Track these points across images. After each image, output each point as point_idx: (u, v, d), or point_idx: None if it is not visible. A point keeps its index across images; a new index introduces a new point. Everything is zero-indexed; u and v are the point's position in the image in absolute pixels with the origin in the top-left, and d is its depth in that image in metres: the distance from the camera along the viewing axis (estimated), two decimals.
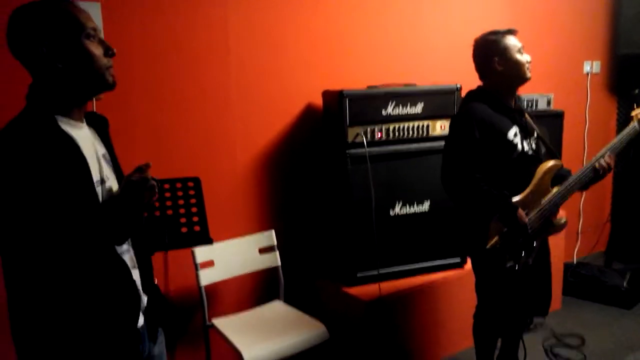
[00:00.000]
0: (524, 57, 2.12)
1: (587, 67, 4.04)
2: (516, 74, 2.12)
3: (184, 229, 2.01)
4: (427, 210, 2.71)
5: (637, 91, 3.94)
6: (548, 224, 2.14)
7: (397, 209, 2.66)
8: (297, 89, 2.74)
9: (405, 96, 2.61)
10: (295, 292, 2.72)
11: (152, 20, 2.31)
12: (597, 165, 2.10)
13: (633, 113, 2.21)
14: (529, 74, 2.13)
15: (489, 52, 2.13)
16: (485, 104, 2.12)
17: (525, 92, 3.19)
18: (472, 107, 2.12)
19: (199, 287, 2.34)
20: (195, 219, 2.04)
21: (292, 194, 2.82)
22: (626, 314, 3.32)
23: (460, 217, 2.20)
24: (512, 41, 2.13)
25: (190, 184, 2.08)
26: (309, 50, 2.76)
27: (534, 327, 3.11)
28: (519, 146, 2.10)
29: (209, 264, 2.39)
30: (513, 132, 2.11)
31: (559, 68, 3.83)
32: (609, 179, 4.26)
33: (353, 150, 2.53)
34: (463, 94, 2.35)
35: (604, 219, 4.41)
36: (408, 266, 2.71)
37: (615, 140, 2.16)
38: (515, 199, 2.07)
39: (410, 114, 2.64)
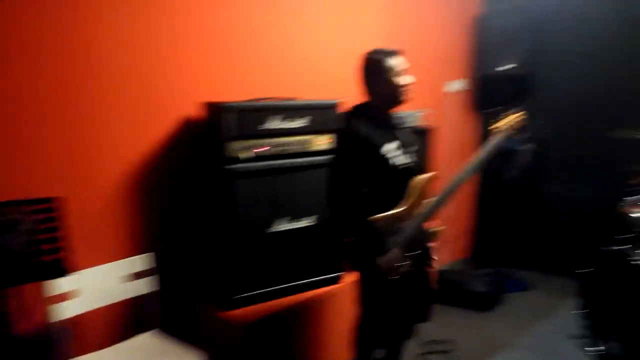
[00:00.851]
0: (403, 80, 2.21)
1: (448, 86, 4.35)
2: (392, 95, 2.23)
3: (40, 259, 1.75)
4: (309, 225, 2.68)
5: (497, 108, 4.31)
6: (426, 233, 2.25)
7: (278, 226, 2.60)
8: (175, 100, 2.56)
9: (287, 110, 2.57)
10: (176, 319, 2.53)
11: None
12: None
13: (491, 127, 2.37)
14: (404, 97, 2.23)
15: (371, 71, 2.23)
16: (364, 119, 2.20)
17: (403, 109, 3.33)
18: (351, 123, 2.22)
19: (55, 322, 2.06)
20: (50, 246, 1.79)
21: (172, 213, 2.62)
22: (489, 316, 3.61)
23: (349, 230, 2.24)
24: (394, 62, 2.20)
25: (46, 205, 1.82)
26: (188, 58, 2.60)
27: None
28: (394, 160, 2.21)
29: (72, 294, 2.13)
30: (389, 147, 2.20)
31: (426, 86, 4.07)
32: (474, 189, 4.64)
33: (233, 166, 2.42)
34: (346, 108, 2.39)
35: (470, 227, 4.78)
36: (288, 284, 2.65)
37: (479, 153, 2.29)
38: (395, 210, 2.15)
39: (291, 129, 2.60)
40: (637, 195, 2.94)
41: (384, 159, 2.19)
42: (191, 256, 2.70)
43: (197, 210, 2.69)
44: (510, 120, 2.35)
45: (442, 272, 3.88)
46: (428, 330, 3.27)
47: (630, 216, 2.92)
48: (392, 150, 2.21)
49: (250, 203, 2.46)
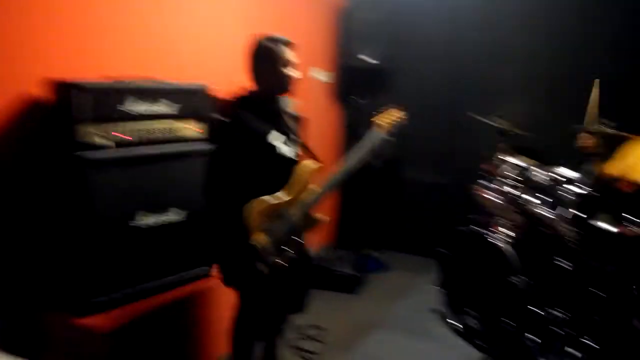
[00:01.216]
0: (290, 72, 2.20)
1: (315, 75, 4.40)
2: (279, 85, 2.21)
3: None
4: (177, 219, 2.46)
5: (358, 100, 4.48)
6: (308, 220, 2.23)
7: (142, 220, 2.35)
8: (16, 75, 2.15)
9: (149, 92, 2.31)
10: (19, 333, 2.15)
11: None
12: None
13: (373, 119, 2.43)
14: (289, 88, 2.23)
15: (262, 58, 2.17)
16: (250, 109, 2.17)
17: None
18: (237, 114, 2.17)
19: None
20: None
21: (12, 208, 2.21)
22: (354, 298, 3.73)
23: (222, 223, 2.18)
24: (285, 53, 2.18)
25: None
26: (30, 31, 2.20)
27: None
28: (279, 149, 2.19)
29: None
30: (274, 136, 2.18)
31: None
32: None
33: (87, 153, 2.12)
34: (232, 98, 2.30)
35: (333, 214, 4.90)
36: (155, 283, 2.40)
37: (362, 144, 2.32)
38: (277, 194, 2.14)
39: (154, 113, 2.35)
40: (489, 179, 3.21)
41: (270, 148, 2.16)
42: (38, 257, 2.32)
43: (46, 204, 2.31)
44: (391, 116, 2.44)
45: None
46: (297, 315, 3.30)
47: (483, 198, 3.21)
48: (277, 139, 2.19)
49: (108, 195, 2.16)
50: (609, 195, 2.82)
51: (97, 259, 2.18)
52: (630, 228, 2.59)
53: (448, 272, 3.21)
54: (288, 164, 2.23)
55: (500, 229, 3.04)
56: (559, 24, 3.88)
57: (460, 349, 2.98)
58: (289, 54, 2.20)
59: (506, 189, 3.01)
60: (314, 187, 2.23)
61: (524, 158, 3.17)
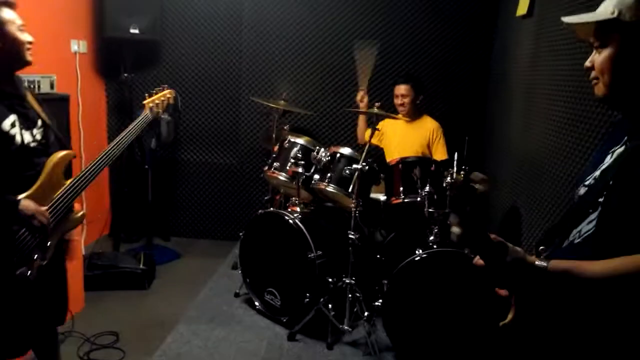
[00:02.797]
0: (24, 36, 1.86)
1: (74, 47, 3.85)
2: (15, 54, 1.85)
3: None
4: None
5: (125, 75, 4.07)
6: (64, 220, 1.98)
7: None
8: None
9: None
10: None
11: None
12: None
13: (145, 102, 2.30)
14: (29, 57, 1.90)
15: None
16: None
17: (25, 73, 2.70)
18: None
19: None
20: None
21: None
22: (148, 293, 3.48)
23: None
24: (9, 15, 1.83)
25: None
26: None
27: (62, 337, 2.80)
28: (18, 137, 1.85)
29: None
30: (10, 122, 1.82)
31: (49, 47, 3.47)
32: (106, 170, 4.30)
33: None
34: None
35: (106, 204, 4.43)
36: None
37: (130, 127, 2.16)
38: (22, 196, 1.82)
39: None
40: (276, 160, 3.30)
41: (8, 137, 1.81)
42: None
43: None
44: (162, 96, 2.35)
45: (89, 257, 3.49)
46: (88, 324, 2.94)
47: (275, 178, 3.30)
48: (14, 126, 1.84)
49: None
50: (379, 169, 3.21)
51: None
52: (397, 197, 3.00)
53: (247, 254, 3.23)
54: (35, 156, 1.92)
55: (295, 208, 3.18)
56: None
57: (264, 329, 3.06)
58: (13, 14, 1.85)
59: (294, 168, 3.15)
60: (69, 181, 1.97)
61: (307, 138, 3.36)
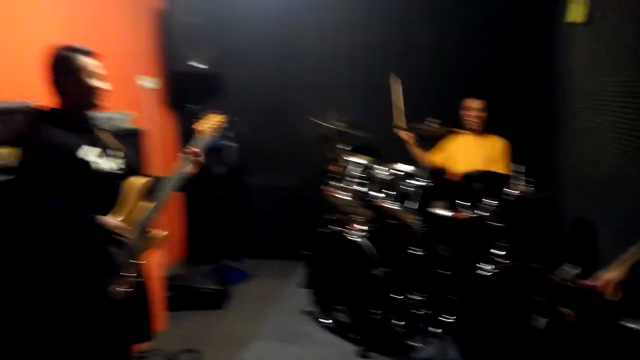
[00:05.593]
0: (96, 83, 2.05)
1: (146, 83, 4.13)
2: (85, 97, 2.05)
3: None
4: None
5: (190, 106, 4.33)
6: (145, 240, 2.14)
7: None
8: None
9: None
10: None
11: None
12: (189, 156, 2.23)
13: (195, 126, 2.41)
14: (99, 101, 2.08)
15: (60, 69, 2.00)
16: (54, 124, 1.99)
17: (104, 110, 2.96)
18: (38, 129, 1.98)
19: None
20: None
21: None
22: (223, 313, 3.66)
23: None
24: (87, 63, 2.03)
25: None
26: None
27: (148, 355, 3.01)
28: (95, 165, 2.04)
29: None
30: (87, 151, 2.02)
31: (124, 85, 3.76)
32: (181, 195, 4.62)
33: None
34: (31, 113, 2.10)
35: (181, 226, 4.70)
36: None
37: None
38: (107, 218, 2.00)
39: None
40: (336, 179, 3.40)
41: (83, 164, 2.00)
42: None
43: None
44: (212, 121, 2.44)
45: (169, 279, 3.72)
46: (171, 343, 3.14)
47: (336, 198, 3.39)
48: (91, 155, 2.03)
49: None
50: (442, 185, 3.24)
51: None
52: (461, 212, 3.01)
53: (314, 273, 3.34)
54: (111, 181, 2.10)
55: (355, 225, 3.26)
56: (373, 23, 4.22)
57: (335, 346, 3.14)
58: (91, 63, 2.05)
59: (353, 187, 3.22)
60: (145, 203, 2.13)
61: (364, 156, 3.44)
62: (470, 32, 4.06)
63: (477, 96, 3.58)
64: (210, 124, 2.41)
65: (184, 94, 4.38)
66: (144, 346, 2.96)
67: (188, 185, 2.26)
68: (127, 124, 3.27)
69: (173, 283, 3.70)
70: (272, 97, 4.49)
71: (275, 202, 4.65)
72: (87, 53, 2.04)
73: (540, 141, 3.92)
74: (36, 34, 2.77)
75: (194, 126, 2.39)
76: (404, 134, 3.72)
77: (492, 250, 2.84)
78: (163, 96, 4.45)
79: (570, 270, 2.32)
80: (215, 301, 3.68)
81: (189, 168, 2.22)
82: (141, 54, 4.14)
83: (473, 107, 3.58)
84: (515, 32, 3.98)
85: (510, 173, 3.39)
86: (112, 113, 3.14)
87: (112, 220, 2.00)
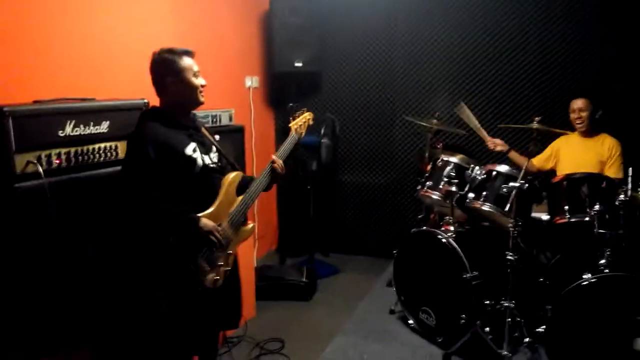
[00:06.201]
0: (198, 81, 2.16)
1: (248, 82, 4.35)
2: (189, 96, 2.16)
3: None
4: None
5: (290, 105, 4.47)
6: (239, 232, 2.24)
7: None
8: None
9: (85, 113, 2.19)
10: None
11: None
12: (274, 165, 2.28)
13: (290, 124, 2.48)
14: (201, 99, 2.19)
15: (164, 70, 2.12)
16: (159, 122, 2.09)
17: (207, 109, 3.16)
18: (145, 126, 2.09)
19: None
20: None
21: None
22: (310, 305, 3.72)
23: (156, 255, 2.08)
24: (187, 63, 2.14)
25: None
26: None
27: (236, 341, 3.14)
28: (199, 161, 2.13)
29: None
30: (191, 148, 2.12)
31: (227, 85, 3.99)
32: (274, 190, 4.76)
33: (24, 184, 1.96)
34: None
35: (275, 222, 4.87)
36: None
37: (281, 149, 2.37)
38: (207, 212, 2.10)
39: (93, 134, 2.23)
40: (429, 179, 3.31)
41: (189, 161, 2.11)
42: None
43: None
44: (303, 118, 2.51)
45: (259, 269, 3.86)
46: (258, 330, 3.25)
47: (430, 198, 3.30)
48: (195, 151, 2.14)
49: (44, 225, 2.00)
50: (541, 186, 3.03)
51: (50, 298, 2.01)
52: (562, 216, 2.79)
53: (403, 273, 3.27)
54: (212, 176, 2.19)
55: (449, 227, 3.14)
56: (475, 22, 4.06)
57: (419, 348, 3.06)
58: (190, 62, 2.15)
59: (448, 187, 3.12)
60: (239, 197, 2.22)
61: (461, 156, 3.32)
62: (584, 29, 3.76)
63: (583, 95, 3.34)
64: (302, 122, 2.49)
65: (285, 92, 4.55)
66: (233, 332, 3.11)
67: (280, 182, 2.34)
68: (231, 122, 3.47)
69: (263, 273, 3.83)
70: (368, 94, 4.49)
71: (369, 200, 4.64)
72: (188, 54, 2.15)
73: None
74: (156, 36, 3.03)
75: (289, 125, 2.47)
76: (499, 146, 3.57)
77: (594, 259, 2.60)
78: (265, 95, 4.66)
79: None
80: (303, 293, 3.75)
81: (273, 174, 2.29)
82: (247, 53, 4.34)
83: (576, 108, 3.37)
84: (631, 29, 3.63)
85: (621, 176, 3.11)
86: (216, 111, 3.35)
87: (211, 223, 2.08)
